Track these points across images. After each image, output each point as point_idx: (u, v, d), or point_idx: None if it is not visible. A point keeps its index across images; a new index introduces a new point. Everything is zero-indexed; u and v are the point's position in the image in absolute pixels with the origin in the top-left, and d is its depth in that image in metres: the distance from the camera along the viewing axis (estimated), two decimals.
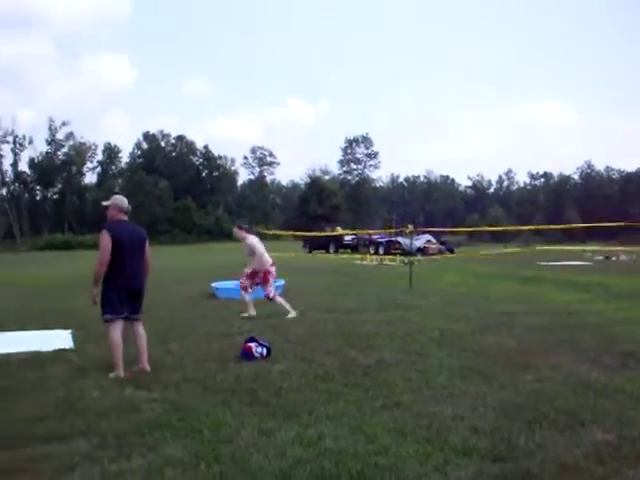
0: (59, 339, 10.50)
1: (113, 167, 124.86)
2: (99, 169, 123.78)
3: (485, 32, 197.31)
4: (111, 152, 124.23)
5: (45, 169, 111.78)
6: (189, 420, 5.86)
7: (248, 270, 12.68)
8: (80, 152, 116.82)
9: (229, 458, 4.92)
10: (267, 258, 12.69)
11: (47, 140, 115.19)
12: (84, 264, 37.12)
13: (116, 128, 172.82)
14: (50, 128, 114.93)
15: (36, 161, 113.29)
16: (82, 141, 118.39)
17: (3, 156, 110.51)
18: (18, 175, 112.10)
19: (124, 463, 4.89)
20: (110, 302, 7.82)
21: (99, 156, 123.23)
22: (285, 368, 8.00)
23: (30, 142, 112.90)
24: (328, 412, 6.06)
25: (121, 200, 8.20)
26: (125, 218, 8.15)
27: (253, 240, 12.69)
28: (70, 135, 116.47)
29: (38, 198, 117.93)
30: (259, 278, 12.71)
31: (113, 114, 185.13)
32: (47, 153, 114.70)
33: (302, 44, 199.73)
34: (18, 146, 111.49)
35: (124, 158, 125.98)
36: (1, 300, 13.69)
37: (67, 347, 9.81)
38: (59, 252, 70.72)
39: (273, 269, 12.78)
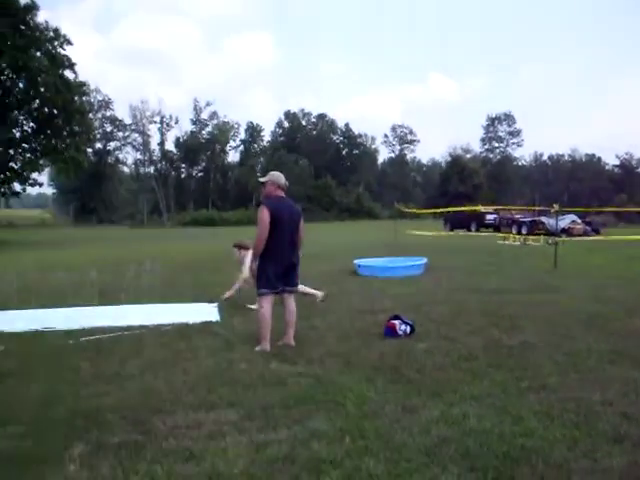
0: (206, 312, 10.85)
1: (255, 146, 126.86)
2: (242, 147, 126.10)
3: (628, 4, 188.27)
4: (253, 131, 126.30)
5: (190, 148, 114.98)
6: (333, 394, 5.93)
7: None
8: (223, 131, 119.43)
9: (373, 433, 4.96)
10: None
11: (192, 120, 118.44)
12: (228, 240, 38.13)
13: (258, 107, 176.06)
14: (195, 108, 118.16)
15: (181, 140, 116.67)
16: (225, 120, 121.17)
17: (151, 136, 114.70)
18: (165, 154, 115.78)
19: (271, 434, 5.01)
20: (266, 276, 8.00)
21: (242, 135, 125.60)
22: (428, 347, 7.96)
23: (176, 122, 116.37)
24: (472, 392, 5.99)
25: (278, 177, 8.28)
26: (282, 194, 8.24)
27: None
28: (214, 114, 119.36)
29: (183, 176, 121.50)
30: None
31: (255, 93, 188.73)
32: (192, 132, 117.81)
33: (441, 20, 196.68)
34: (165, 126, 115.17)
35: (266, 137, 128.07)
36: (151, 274, 14.22)
37: (214, 320, 10.12)
38: (203, 228, 72.84)
39: None
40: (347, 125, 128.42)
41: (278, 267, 8.04)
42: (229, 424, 5.24)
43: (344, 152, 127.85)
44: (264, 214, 7.88)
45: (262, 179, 8.37)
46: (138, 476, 4.33)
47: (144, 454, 4.69)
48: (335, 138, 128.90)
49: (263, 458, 4.55)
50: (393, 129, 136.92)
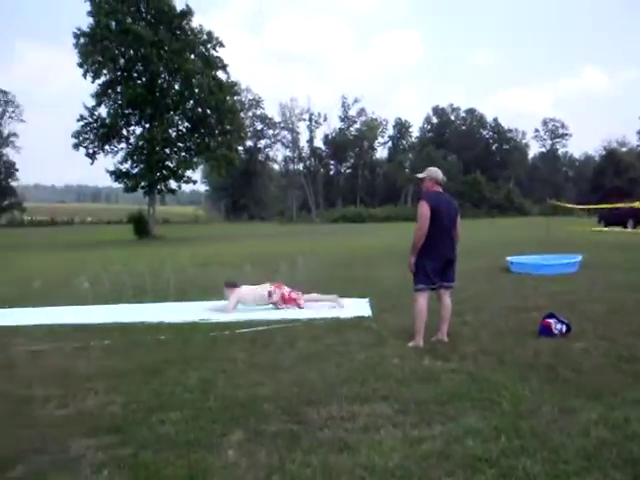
0: (358, 307, 10.94)
1: (403, 142, 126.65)
2: (390, 144, 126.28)
3: None
4: (401, 127, 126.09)
5: (338, 145, 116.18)
6: (488, 392, 5.85)
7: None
8: (372, 127, 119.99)
9: (529, 433, 4.85)
10: (257, 293, 11.40)
11: (340, 117, 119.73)
12: (377, 236, 38.23)
13: (406, 103, 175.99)
14: (343, 105, 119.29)
15: (330, 137, 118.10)
16: (373, 117, 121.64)
17: (300, 133, 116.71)
18: (314, 151, 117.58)
19: (425, 430, 5.00)
20: (424, 272, 8.01)
21: (390, 131, 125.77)
22: (585, 346, 7.68)
23: (324, 119, 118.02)
24: (634, 395, 5.72)
25: (436, 172, 8.31)
26: (440, 190, 8.25)
27: (240, 291, 11.37)
28: (362, 111, 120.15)
29: (332, 173, 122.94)
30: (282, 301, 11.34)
31: (403, 89, 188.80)
32: (340, 129, 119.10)
33: (593, 13, 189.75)
34: (314, 123, 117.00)
35: (414, 132, 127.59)
36: (302, 269, 14.45)
37: (365, 315, 10.19)
38: (352, 225, 73.28)
39: (275, 292, 11.31)
40: (496, 120, 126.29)
41: (436, 262, 8.02)
42: (383, 417, 5.28)
43: (494, 147, 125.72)
44: (424, 209, 7.88)
45: (420, 175, 8.39)
46: (295, 464, 4.42)
47: (300, 443, 4.79)
48: (484, 133, 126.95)
49: (417, 453, 4.54)
50: (544, 123, 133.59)
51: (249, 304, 11.29)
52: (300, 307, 11.18)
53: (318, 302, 11.37)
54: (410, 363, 7.02)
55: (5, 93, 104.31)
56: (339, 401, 5.71)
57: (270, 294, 11.27)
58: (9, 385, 6.79)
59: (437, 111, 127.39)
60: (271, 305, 11.28)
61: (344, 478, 4.20)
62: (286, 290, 11.39)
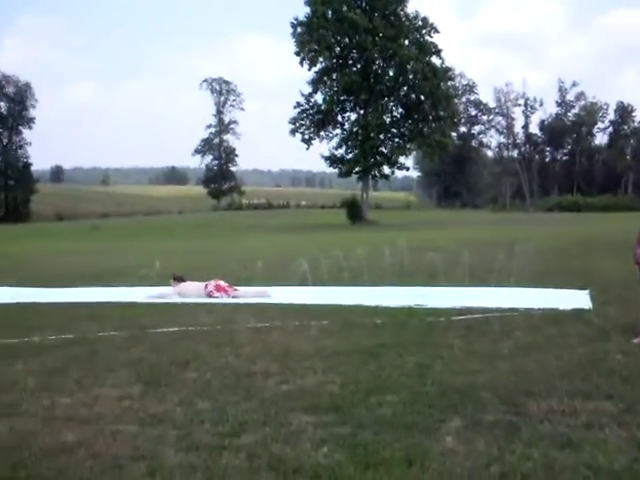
0: (576, 298, 10.55)
1: (625, 127, 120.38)
2: (610, 129, 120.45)
3: None
4: (624, 111, 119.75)
5: (555, 130, 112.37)
6: None
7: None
8: (591, 112, 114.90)
9: None
10: (197, 287, 12.81)
11: (557, 101, 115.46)
12: (595, 226, 36.71)
13: (629, 86, 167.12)
14: (560, 89, 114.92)
15: (546, 123, 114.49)
16: (593, 101, 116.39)
17: (515, 119, 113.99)
18: (529, 137, 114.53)
19: None
20: None
21: (610, 116, 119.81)
22: None
23: (540, 104, 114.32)
24: None
25: None
26: None
27: (183, 285, 12.93)
28: (580, 95, 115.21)
29: (547, 159, 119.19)
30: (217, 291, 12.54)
31: (626, 71, 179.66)
32: (557, 114, 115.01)
33: None
34: (529, 108, 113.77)
35: (637, 117, 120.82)
36: (518, 258, 14.11)
37: (585, 307, 9.81)
38: (567, 214, 70.72)
39: (211, 283, 12.66)
40: None
41: None
42: (607, 416, 5.06)
43: None
44: None
45: None
46: (514, 456, 4.34)
47: (519, 435, 4.70)
48: None
49: None
50: None
51: (190, 296, 12.49)
52: (229, 296, 12.34)
53: (248, 294, 12.54)
54: (635, 360, 6.68)
55: (227, 83, 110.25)
56: (560, 395, 5.54)
57: (206, 286, 12.62)
58: (235, 360, 7.19)
59: None
60: (207, 295, 12.46)
61: (567, 475, 4.08)
62: (222, 283, 12.67)
